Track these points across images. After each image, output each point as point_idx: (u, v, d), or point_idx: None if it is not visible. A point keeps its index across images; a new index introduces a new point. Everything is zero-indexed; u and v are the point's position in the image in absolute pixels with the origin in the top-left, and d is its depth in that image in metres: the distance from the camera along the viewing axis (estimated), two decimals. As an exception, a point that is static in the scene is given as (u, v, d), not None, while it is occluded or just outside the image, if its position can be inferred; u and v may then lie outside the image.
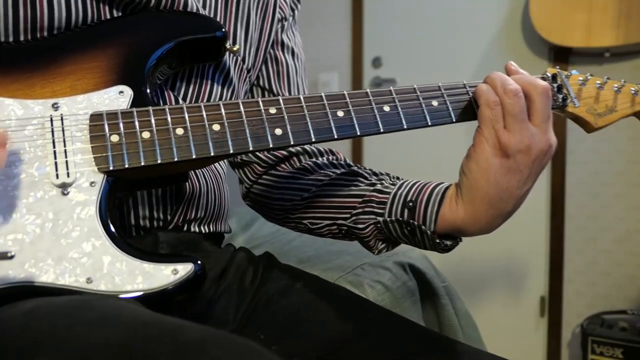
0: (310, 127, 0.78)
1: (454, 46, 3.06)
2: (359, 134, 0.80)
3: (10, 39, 0.76)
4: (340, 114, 0.79)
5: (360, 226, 0.90)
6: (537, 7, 2.65)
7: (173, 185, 0.86)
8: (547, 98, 0.80)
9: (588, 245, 2.82)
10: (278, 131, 0.76)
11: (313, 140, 0.78)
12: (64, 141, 0.69)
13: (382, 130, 0.81)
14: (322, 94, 0.80)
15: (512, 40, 2.94)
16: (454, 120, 0.85)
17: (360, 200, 0.92)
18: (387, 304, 1.25)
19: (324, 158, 1.05)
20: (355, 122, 0.80)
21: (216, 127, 0.74)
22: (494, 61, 2.97)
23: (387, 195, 0.89)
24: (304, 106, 0.78)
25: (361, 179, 0.96)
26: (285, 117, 0.77)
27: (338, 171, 1.00)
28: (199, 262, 0.69)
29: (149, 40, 0.80)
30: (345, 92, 0.81)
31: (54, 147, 0.69)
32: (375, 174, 0.98)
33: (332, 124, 0.79)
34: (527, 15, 2.77)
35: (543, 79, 0.90)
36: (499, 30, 2.97)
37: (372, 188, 0.92)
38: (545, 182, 2.88)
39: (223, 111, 0.75)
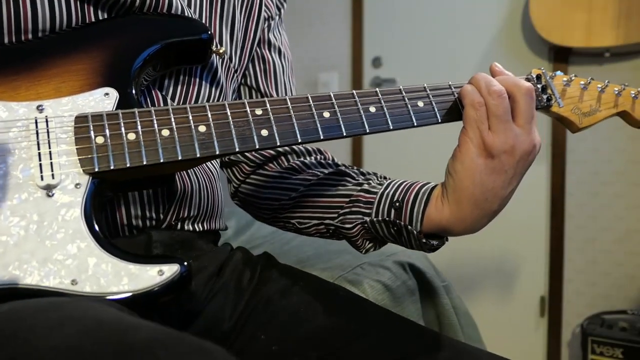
0: (296, 128, 0.78)
1: (454, 46, 3.06)
2: (345, 134, 0.80)
3: None
4: (326, 114, 0.79)
5: (348, 226, 0.91)
6: (537, 7, 2.65)
7: (159, 188, 0.86)
8: (530, 99, 0.81)
9: (588, 245, 2.82)
10: (264, 132, 0.76)
11: (299, 141, 0.78)
12: (49, 143, 0.69)
13: (368, 131, 0.81)
14: (308, 95, 0.80)
15: (512, 40, 2.94)
16: (440, 120, 0.85)
17: (347, 200, 0.92)
18: (387, 303, 1.25)
19: (312, 157, 1.06)
20: (341, 122, 0.80)
21: (202, 128, 0.74)
22: (494, 61, 2.95)
23: (374, 195, 0.90)
24: (290, 107, 0.78)
25: (349, 178, 0.96)
26: (272, 118, 0.77)
27: (326, 171, 1.00)
28: (185, 263, 0.69)
29: (134, 43, 0.80)
30: (331, 93, 0.81)
31: (39, 149, 0.68)
32: (362, 173, 0.98)
33: (319, 125, 0.79)
34: (527, 15, 2.77)
35: (527, 79, 0.90)
36: (499, 30, 2.97)
37: (359, 188, 0.92)
38: (545, 182, 2.88)
39: (209, 113, 0.75)
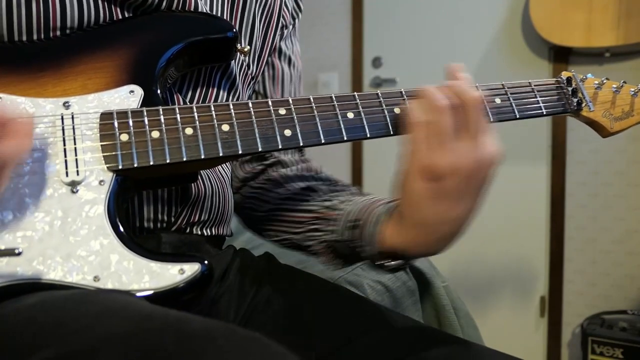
0: (320, 129, 0.77)
1: (454, 46, 3.07)
2: (369, 136, 0.79)
3: (24, 38, 0.76)
4: (350, 115, 0.79)
5: (309, 243, 0.91)
6: (537, 7, 2.66)
7: (181, 186, 0.86)
8: (479, 110, 0.75)
9: (588, 245, 2.83)
10: (287, 132, 0.76)
11: (323, 141, 0.77)
12: (74, 139, 0.69)
13: (392, 133, 0.80)
14: (332, 95, 0.79)
15: (512, 40, 2.95)
16: None
17: (310, 216, 0.92)
18: (387, 304, 1.25)
19: (295, 168, 1.04)
20: (365, 123, 0.79)
21: (225, 127, 0.74)
22: (494, 61, 2.97)
23: (338, 213, 0.88)
24: (314, 107, 0.78)
25: (316, 195, 0.95)
26: (295, 118, 0.76)
27: (302, 185, 0.99)
28: (206, 262, 0.69)
29: (160, 40, 0.80)
30: (355, 94, 0.80)
31: (64, 145, 0.69)
32: (335, 190, 0.95)
33: (342, 126, 0.78)
34: (527, 15, 2.78)
35: (557, 82, 0.89)
36: (499, 30, 2.98)
37: (323, 205, 0.92)
38: (546, 182, 2.88)
39: (232, 111, 0.74)
